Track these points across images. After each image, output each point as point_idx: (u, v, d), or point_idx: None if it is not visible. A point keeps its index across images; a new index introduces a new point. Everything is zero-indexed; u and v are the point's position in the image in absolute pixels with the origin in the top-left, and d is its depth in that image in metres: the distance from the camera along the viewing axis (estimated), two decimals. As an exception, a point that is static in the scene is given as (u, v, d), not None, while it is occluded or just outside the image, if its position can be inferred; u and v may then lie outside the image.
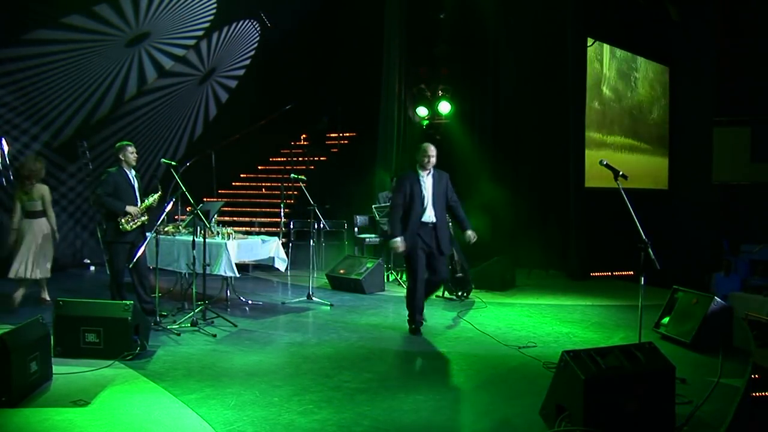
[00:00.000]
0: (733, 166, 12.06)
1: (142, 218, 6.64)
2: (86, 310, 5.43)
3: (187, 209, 9.09)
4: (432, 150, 6.55)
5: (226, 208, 11.43)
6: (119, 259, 6.66)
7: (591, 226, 10.76)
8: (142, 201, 6.73)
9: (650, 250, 5.10)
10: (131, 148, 6.75)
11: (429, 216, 6.45)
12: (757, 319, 6.86)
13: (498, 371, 5.39)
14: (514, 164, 11.05)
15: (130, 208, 6.57)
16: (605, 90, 11.82)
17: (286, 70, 13.03)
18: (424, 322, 6.69)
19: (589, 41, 11.04)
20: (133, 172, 6.81)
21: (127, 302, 5.47)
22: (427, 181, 6.51)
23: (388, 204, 9.54)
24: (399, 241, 6.36)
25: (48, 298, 7.54)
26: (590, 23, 10.91)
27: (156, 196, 6.85)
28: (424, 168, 6.52)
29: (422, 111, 11.77)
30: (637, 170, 12.54)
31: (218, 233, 7.47)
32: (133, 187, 6.73)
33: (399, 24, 11.42)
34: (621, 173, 5.44)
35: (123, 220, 6.51)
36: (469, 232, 6.62)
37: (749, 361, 5.62)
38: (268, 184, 12.98)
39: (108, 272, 8.49)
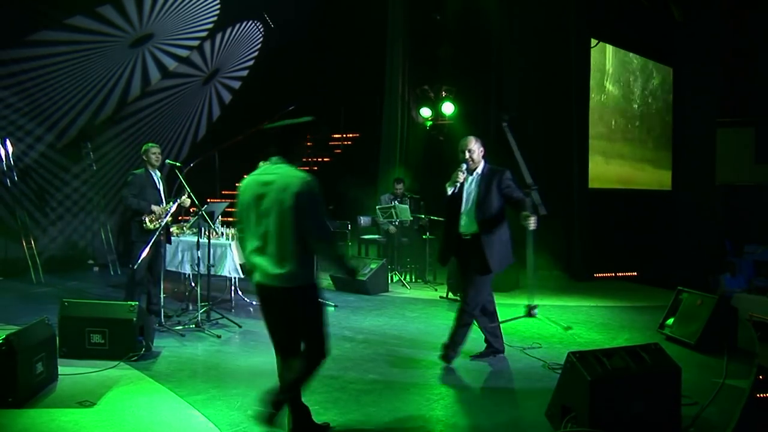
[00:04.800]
0: (736, 167, 12.06)
1: (166, 219, 6.64)
2: (91, 311, 5.44)
3: (191, 210, 9.10)
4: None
5: (230, 209, 11.43)
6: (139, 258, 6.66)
7: (594, 227, 10.76)
8: (167, 202, 6.77)
9: (536, 193, 4.96)
10: (154, 149, 6.83)
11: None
12: (761, 320, 6.85)
13: (502, 372, 5.38)
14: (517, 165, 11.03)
15: (155, 208, 6.63)
16: (609, 91, 11.82)
17: (290, 71, 13.05)
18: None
19: (593, 42, 11.04)
20: (158, 173, 6.87)
21: (132, 303, 5.48)
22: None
23: (390, 205, 9.54)
24: None
25: None
26: (594, 24, 10.91)
27: (176, 202, 6.75)
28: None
29: (425, 112, 11.77)
30: (641, 171, 12.55)
31: (222, 234, 7.47)
32: (158, 188, 6.78)
33: (402, 25, 11.43)
34: None
35: (147, 219, 6.56)
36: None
37: (754, 363, 5.62)
38: (272, 184, 12.95)
39: (118, 271, 8.57)
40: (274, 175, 3.66)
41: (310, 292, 3.74)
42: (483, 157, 5.48)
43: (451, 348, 5.45)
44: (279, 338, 3.82)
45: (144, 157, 6.82)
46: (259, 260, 3.65)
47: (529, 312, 5.02)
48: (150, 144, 6.90)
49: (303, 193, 3.57)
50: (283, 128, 3.78)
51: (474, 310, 5.41)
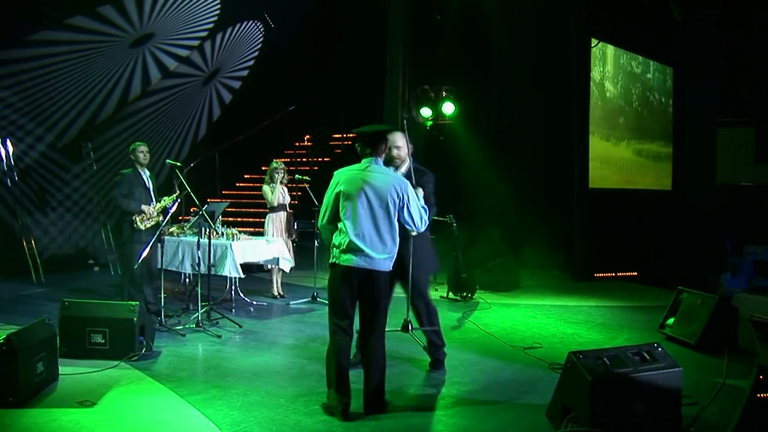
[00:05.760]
0: (736, 167, 12.07)
1: (157, 218, 6.64)
2: (92, 311, 5.44)
3: (191, 210, 9.10)
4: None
5: (230, 209, 11.43)
6: (134, 258, 6.66)
7: (595, 227, 10.76)
8: (158, 201, 6.77)
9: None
10: (141, 148, 6.82)
11: None
12: (762, 320, 6.86)
13: (503, 372, 5.39)
14: (518, 165, 11.06)
15: (145, 207, 6.62)
16: (609, 91, 11.82)
17: (290, 71, 13.04)
18: None
19: (593, 42, 11.04)
20: (147, 172, 6.87)
21: (133, 303, 5.48)
22: None
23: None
24: None
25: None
26: (594, 24, 10.91)
27: (171, 197, 6.79)
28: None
29: (426, 112, 11.77)
30: (641, 171, 12.55)
31: (223, 234, 7.47)
32: (148, 187, 6.77)
33: (403, 25, 11.43)
34: None
35: (138, 219, 6.56)
36: None
37: (755, 363, 5.62)
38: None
39: (119, 271, 8.55)
40: (381, 174, 4.25)
41: (390, 277, 4.43)
42: (411, 155, 5.21)
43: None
44: (350, 319, 4.29)
45: (132, 156, 6.83)
46: (362, 245, 4.17)
47: (405, 327, 5.06)
48: (138, 143, 6.90)
49: (408, 191, 4.27)
50: (375, 133, 4.34)
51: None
